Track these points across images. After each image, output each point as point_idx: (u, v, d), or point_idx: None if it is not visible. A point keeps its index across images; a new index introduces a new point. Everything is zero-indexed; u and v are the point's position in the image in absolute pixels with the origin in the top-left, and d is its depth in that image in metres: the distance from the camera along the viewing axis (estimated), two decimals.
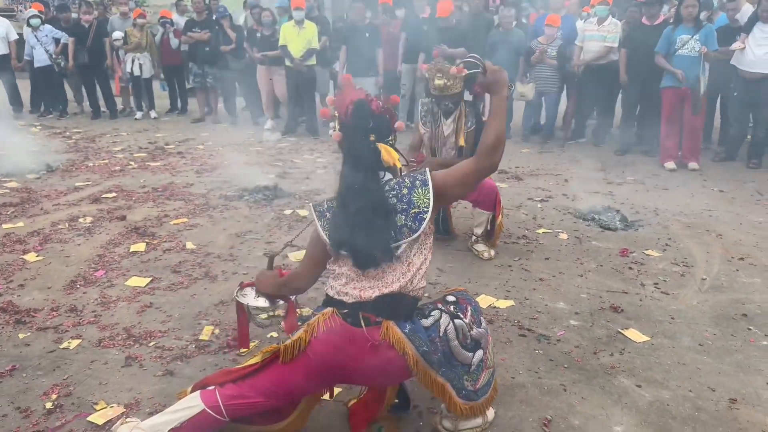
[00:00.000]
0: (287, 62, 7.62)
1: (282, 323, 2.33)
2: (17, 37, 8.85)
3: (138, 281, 3.49)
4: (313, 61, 7.61)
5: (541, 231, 4.43)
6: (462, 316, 2.05)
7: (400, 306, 1.95)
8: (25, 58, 8.86)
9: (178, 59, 8.93)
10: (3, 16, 9.35)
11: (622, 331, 2.98)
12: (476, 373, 2.07)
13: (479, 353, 2.07)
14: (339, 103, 2.00)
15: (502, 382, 2.53)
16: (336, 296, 1.97)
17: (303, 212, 4.79)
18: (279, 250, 2.55)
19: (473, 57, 2.00)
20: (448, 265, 3.80)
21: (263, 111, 8.53)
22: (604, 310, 3.20)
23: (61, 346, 2.80)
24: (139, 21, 8.70)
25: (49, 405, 2.39)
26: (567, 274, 3.67)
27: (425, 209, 1.90)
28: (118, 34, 8.80)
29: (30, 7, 9.06)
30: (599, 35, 6.83)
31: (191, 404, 1.98)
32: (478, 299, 3.28)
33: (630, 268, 3.76)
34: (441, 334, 1.99)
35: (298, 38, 7.43)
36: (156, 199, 5.07)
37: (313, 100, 7.97)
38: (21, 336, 2.88)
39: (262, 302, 2.28)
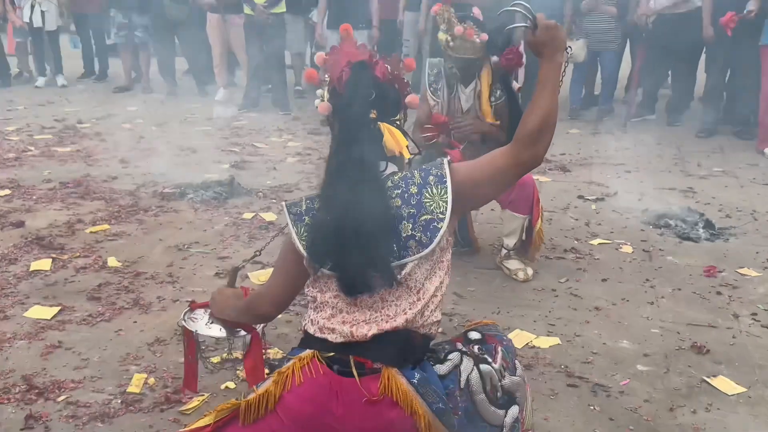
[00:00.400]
0: (246, 9, 7.55)
1: (241, 370, 2.43)
2: None
3: (41, 312, 3.44)
4: (281, 7, 7.56)
5: (596, 242, 4.39)
6: (490, 359, 2.05)
7: (407, 347, 1.94)
8: None
9: (95, 5, 8.85)
10: None
11: (708, 380, 2.95)
12: None
13: (513, 410, 2.06)
14: (332, 64, 2.02)
15: None
16: (318, 334, 1.96)
17: (269, 216, 4.77)
18: (245, 261, 2.56)
19: (519, 5, 1.98)
20: (469, 290, 3.75)
21: (214, 76, 8.49)
22: (684, 351, 3.18)
23: None
24: None
25: None
26: (632, 302, 3.64)
27: (441, 216, 1.90)
28: None
29: None
30: None
31: None
32: (511, 336, 3.17)
33: (719, 293, 3.74)
34: (462, 386, 1.98)
35: None
36: (66, 198, 5.05)
37: (282, 61, 7.94)
38: None
39: (217, 331, 2.28)
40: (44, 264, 3.99)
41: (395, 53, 2.11)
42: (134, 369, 3.02)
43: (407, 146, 2.02)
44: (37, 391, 2.84)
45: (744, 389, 2.92)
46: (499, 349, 2.10)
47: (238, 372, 2.86)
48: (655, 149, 6.34)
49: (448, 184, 1.92)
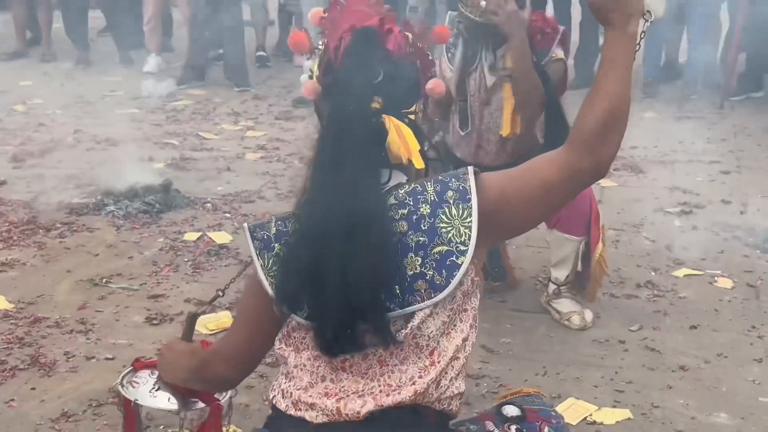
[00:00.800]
0: None
1: None
2: None
3: None
4: None
5: (681, 273, 4.15)
6: None
7: (416, 430, 1.88)
8: None
9: None
10: None
11: None
12: None
13: None
14: (331, 26, 1.94)
15: None
16: (292, 410, 1.89)
17: (221, 236, 4.58)
18: (204, 305, 2.52)
19: None
20: (503, 342, 3.57)
21: (143, 38, 8.19)
22: None
23: None
24: None
25: None
26: (732, 358, 3.41)
27: (461, 247, 1.80)
28: None
29: None
30: None
31: None
32: (562, 407, 3.11)
33: None
34: None
35: None
36: None
37: (238, 15, 7.70)
38: None
39: (164, 401, 2.22)
40: None
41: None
42: None
43: (419, 152, 1.92)
44: None
45: None
46: (546, 429, 2.06)
47: None
48: (764, 139, 6.11)
49: (474, 202, 1.82)
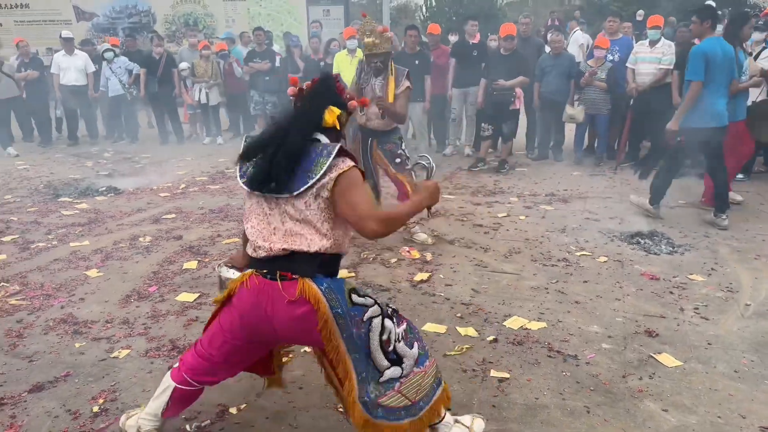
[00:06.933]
0: None
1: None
2: (94, 69, 9.34)
3: (187, 296, 3.63)
4: None
5: (580, 254, 4.30)
6: (395, 322, 2.06)
7: (316, 262, 1.95)
8: (101, 88, 9.32)
9: (241, 88, 9.16)
10: (84, 49, 9.84)
11: (654, 356, 2.93)
12: (385, 387, 2.02)
13: (395, 370, 2.03)
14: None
15: (525, 402, 2.55)
16: (253, 253, 2.00)
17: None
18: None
19: (425, 158, 2.20)
20: (483, 287, 3.76)
21: None
22: (639, 335, 3.14)
23: (112, 356, 3.00)
24: (204, 52, 9.06)
25: (96, 409, 2.58)
26: (604, 298, 3.58)
27: (313, 176, 1.91)
28: (184, 65, 9.19)
29: (104, 41, 9.69)
30: (653, 57, 6.66)
31: (166, 385, 2.18)
32: (509, 320, 3.24)
33: (671, 292, 3.65)
34: (365, 319, 1.98)
35: (350, 66, 7.55)
36: (212, 220, 5.21)
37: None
38: (77, 345, 3.10)
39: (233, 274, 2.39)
40: (192, 264, 4.16)
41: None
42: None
43: (338, 123, 2.05)
44: (178, 349, 3.05)
45: (680, 363, 2.90)
46: (405, 323, 2.12)
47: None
48: (638, 186, 5.84)
49: (331, 157, 1.92)
